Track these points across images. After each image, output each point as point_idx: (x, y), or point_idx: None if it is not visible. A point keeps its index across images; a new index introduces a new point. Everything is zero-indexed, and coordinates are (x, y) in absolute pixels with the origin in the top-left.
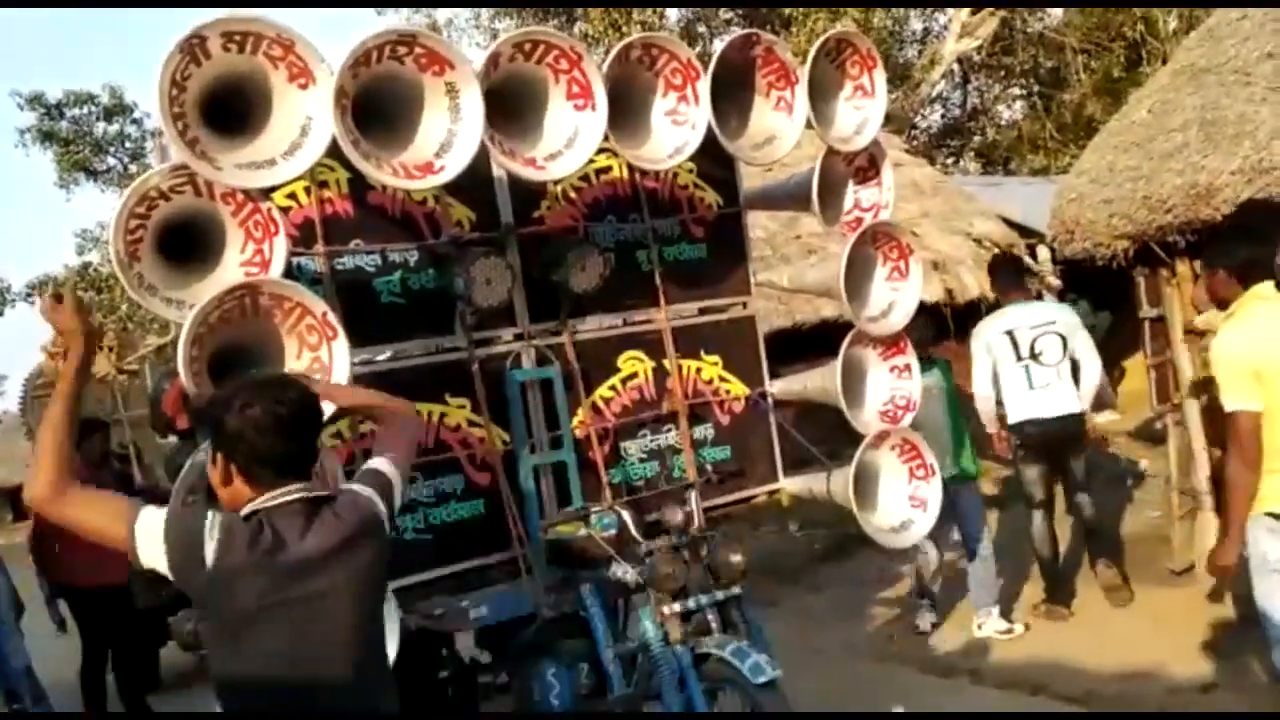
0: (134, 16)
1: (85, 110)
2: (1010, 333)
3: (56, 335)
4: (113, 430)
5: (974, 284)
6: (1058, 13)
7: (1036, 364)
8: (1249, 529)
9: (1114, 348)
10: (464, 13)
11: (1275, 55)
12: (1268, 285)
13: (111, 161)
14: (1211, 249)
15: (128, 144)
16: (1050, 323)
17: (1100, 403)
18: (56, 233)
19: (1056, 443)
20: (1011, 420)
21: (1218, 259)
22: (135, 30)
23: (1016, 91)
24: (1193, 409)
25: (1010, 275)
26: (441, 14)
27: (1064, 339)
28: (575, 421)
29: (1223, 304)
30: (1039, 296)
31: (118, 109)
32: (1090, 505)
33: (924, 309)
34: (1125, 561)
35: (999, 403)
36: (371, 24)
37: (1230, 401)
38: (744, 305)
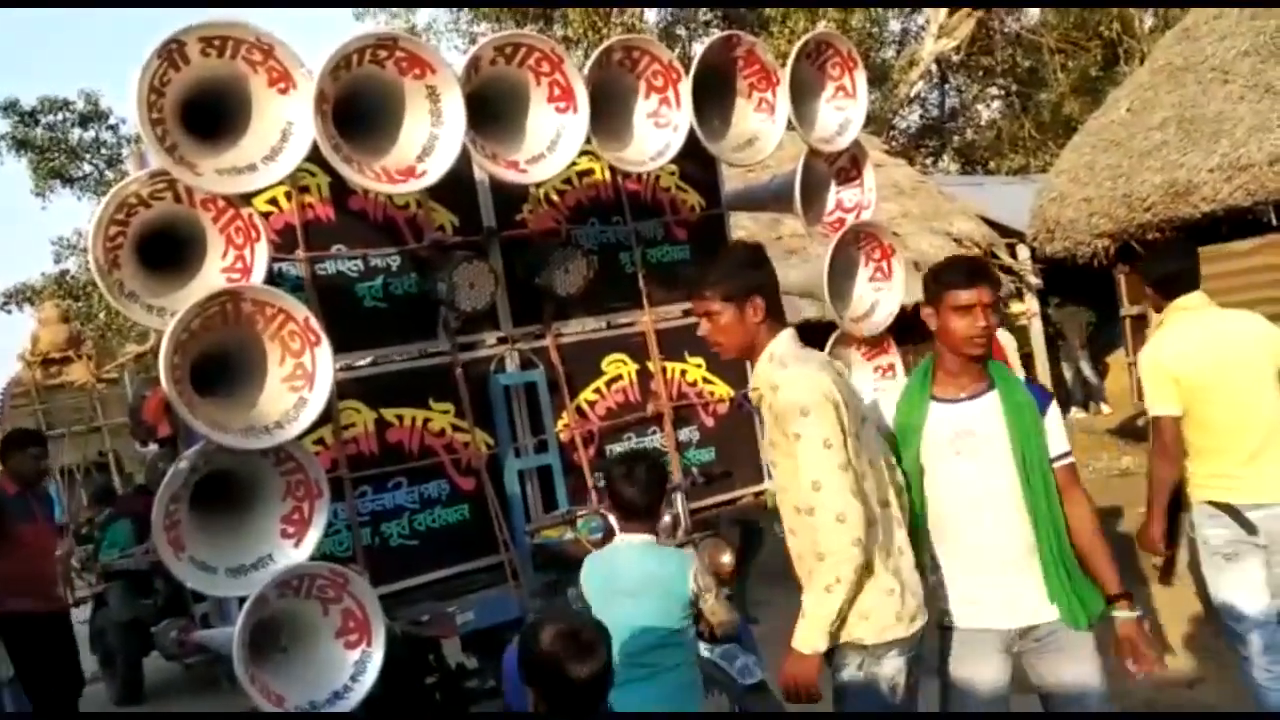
0: (108, 21)
1: (60, 117)
2: None
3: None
4: (91, 439)
5: None
6: (1035, 13)
7: None
8: (1194, 518)
9: (1096, 345)
10: (443, 16)
11: (1252, 53)
12: (1193, 296)
13: (87, 168)
14: (1139, 266)
15: (104, 150)
16: None
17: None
18: (33, 241)
19: None
20: None
21: (1143, 276)
22: (111, 35)
23: (995, 91)
24: None
25: None
26: (420, 18)
27: None
28: (560, 425)
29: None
30: (1019, 295)
31: (93, 115)
32: None
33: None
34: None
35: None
36: (350, 28)
37: (1154, 407)
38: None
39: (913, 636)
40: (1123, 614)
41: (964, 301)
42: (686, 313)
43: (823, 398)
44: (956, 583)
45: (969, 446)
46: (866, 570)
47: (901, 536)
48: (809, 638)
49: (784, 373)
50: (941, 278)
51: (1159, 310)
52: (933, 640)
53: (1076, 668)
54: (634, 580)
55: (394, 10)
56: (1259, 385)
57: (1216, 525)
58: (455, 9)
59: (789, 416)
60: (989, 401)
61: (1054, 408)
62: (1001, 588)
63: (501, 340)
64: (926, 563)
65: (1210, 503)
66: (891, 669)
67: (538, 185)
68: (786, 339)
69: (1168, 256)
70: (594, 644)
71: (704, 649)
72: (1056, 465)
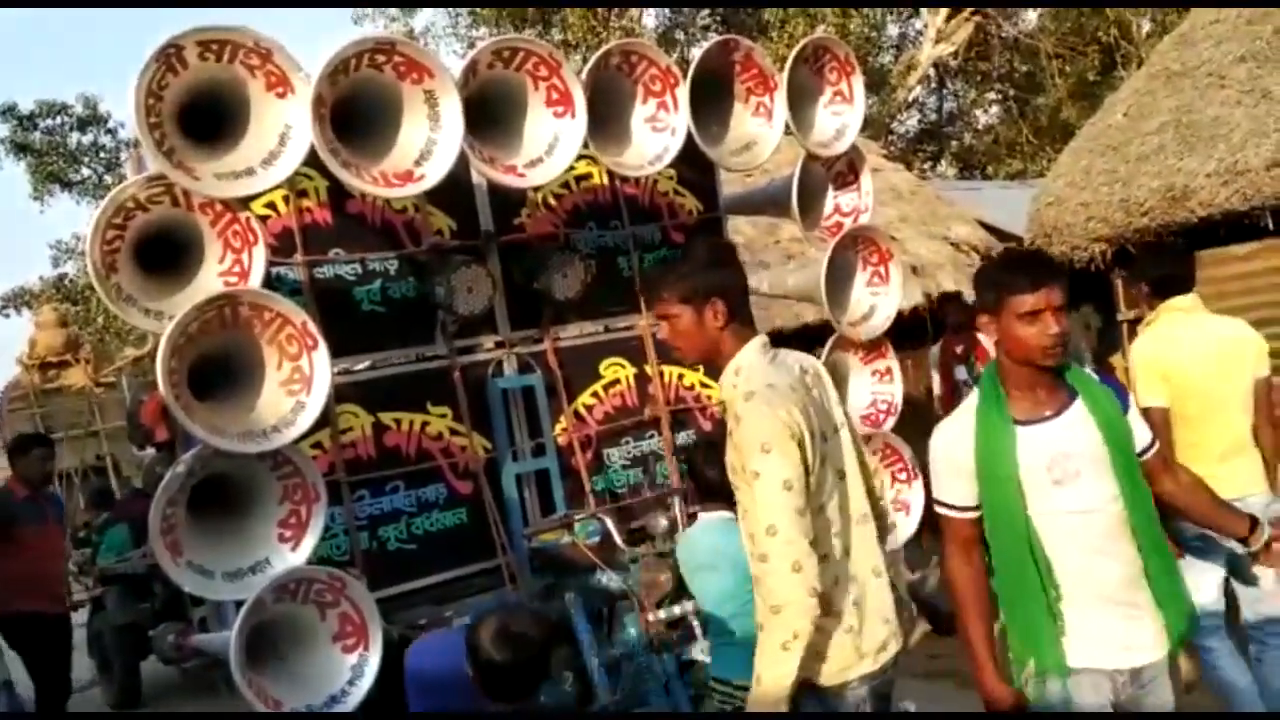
0: (107, 24)
1: (59, 121)
2: None
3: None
4: (89, 442)
5: (953, 288)
6: (1032, 18)
7: None
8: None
9: (1099, 349)
10: (440, 20)
11: (1249, 58)
12: (1184, 298)
13: (86, 172)
14: (1133, 268)
15: (102, 154)
16: None
17: None
18: (31, 245)
19: None
20: None
21: (1137, 277)
22: (110, 39)
23: (992, 96)
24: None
25: None
26: (418, 21)
27: None
28: (558, 429)
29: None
30: None
31: (92, 119)
32: None
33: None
34: None
35: None
36: (348, 32)
37: (1144, 399)
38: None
39: (880, 670)
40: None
41: (1030, 307)
42: None
43: (787, 435)
44: (1058, 620)
45: (1068, 472)
46: (825, 611)
47: (877, 556)
48: (769, 701)
49: (748, 405)
50: (1000, 281)
51: (1151, 309)
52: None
53: (1171, 699)
54: (708, 554)
55: (392, 14)
56: (1238, 387)
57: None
58: (453, 8)
59: (749, 452)
60: (1077, 414)
61: (1132, 401)
62: (1110, 625)
63: (499, 344)
64: (1050, 602)
65: None
66: (855, 699)
67: (535, 189)
68: (755, 349)
69: (1164, 258)
70: (520, 637)
71: (699, 653)
72: (1148, 456)
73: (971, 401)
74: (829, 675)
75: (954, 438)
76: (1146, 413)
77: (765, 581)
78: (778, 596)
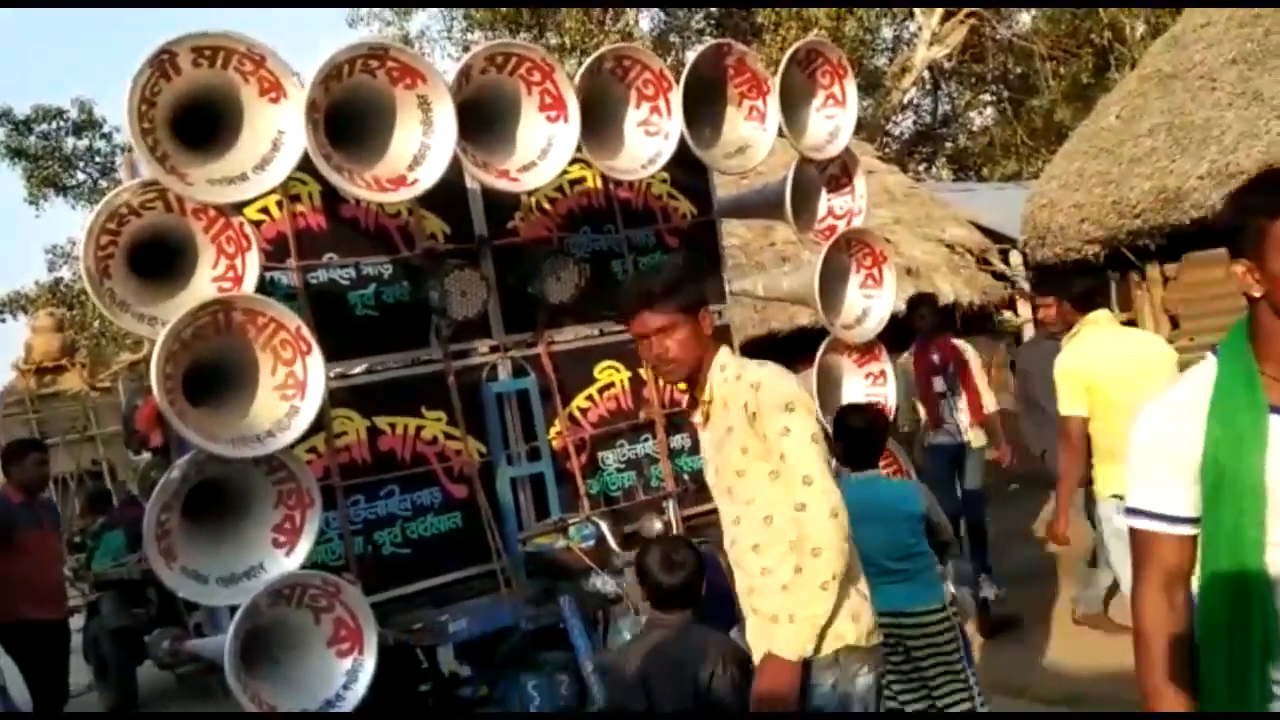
0: (103, 28)
1: (54, 125)
2: None
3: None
4: (85, 447)
5: (948, 290)
6: (1026, 20)
7: None
8: (1101, 509)
9: None
10: (436, 24)
11: (1240, 61)
12: (1103, 312)
13: (81, 177)
14: (1056, 283)
15: (97, 159)
16: None
17: None
18: (26, 249)
19: None
20: None
21: (1061, 291)
22: (105, 44)
23: (987, 98)
24: None
25: None
26: (413, 25)
27: None
28: (552, 432)
29: (1069, 327)
30: (1012, 304)
31: (87, 124)
32: None
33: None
34: None
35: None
36: (343, 36)
37: (1064, 408)
38: (719, 314)
39: (877, 650)
40: None
41: None
42: None
43: (805, 394)
44: None
45: None
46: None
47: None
48: (799, 640)
49: (763, 370)
50: (1255, 202)
51: (1071, 324)
52: None
53: None
54: (859, 508)
55: (387, 18)
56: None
57: (1123, 515)
58: (448, 8)
59: (774, 412)
60: None
61: None
62: None
63: (494, 348)
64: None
65: (1116, 496)
66: (863, 688)
67: (529, 193)
68: (730, 352)
69: (1085, 275)
70: (682, 562)
71: None
72: None
73: (1203, 374)
74: (862, 634)
75: (1176, 417)
76: (1065, 421)
77: (804, 528)
78: (817, 540)
